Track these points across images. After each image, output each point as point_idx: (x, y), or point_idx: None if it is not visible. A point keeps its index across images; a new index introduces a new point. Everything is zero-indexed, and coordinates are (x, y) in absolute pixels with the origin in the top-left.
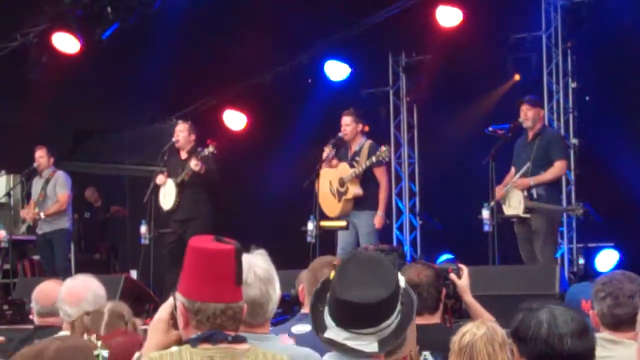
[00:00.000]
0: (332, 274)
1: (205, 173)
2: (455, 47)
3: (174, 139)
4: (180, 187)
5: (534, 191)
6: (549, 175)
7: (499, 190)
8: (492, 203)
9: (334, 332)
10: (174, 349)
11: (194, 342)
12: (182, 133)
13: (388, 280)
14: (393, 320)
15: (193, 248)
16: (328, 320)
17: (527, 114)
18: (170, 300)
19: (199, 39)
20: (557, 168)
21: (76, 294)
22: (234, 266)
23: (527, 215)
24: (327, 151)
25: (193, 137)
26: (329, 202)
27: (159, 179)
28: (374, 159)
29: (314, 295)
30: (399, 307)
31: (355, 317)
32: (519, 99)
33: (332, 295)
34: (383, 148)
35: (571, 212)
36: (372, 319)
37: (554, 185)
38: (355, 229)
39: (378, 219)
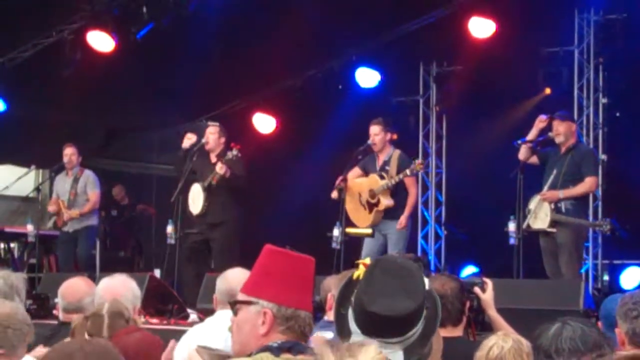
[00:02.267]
0: (356, 274)
1: (231, 177)
2: (486, 58)
3: (203, 140)
4: (208, 191)
5: (562, 205)
6: (579, 189)
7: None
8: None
9: (359, 339)
10: (258, 355)
11: (276, 351)
12: (212, 135)
13: (416, 289)
14: (418, 328)
15: (273, 251)
16: (353, 325)
17: (558, 129)
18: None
19: (232, 42)
20: (588, 184)
21: (116, 291)
22: (313, 276)
23: (553, 230)
24: None
25: (223, 140)
26: (359, 213)
27: (186, 141)
28: (408, 172)
29: (337, 298)
30: (424, 312)
31: (382, 327)
32: (549, 115)
33: (358, 303)
34: (418, 161)
35: (598, 227)
36: (399, 329)
37: (582, 201)
38: (382, 237)
39: (402, 219)
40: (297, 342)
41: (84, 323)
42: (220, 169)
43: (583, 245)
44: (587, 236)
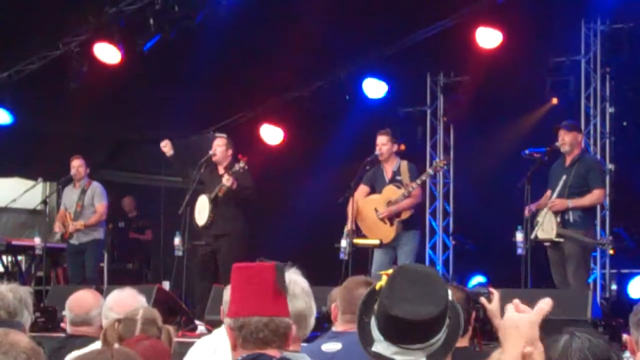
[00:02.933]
0: (379, 284)
1: (237, 189)
2: (493, 68)
3: (211, 152)
4: (214, 202)
5: (569, 216)
6: (587, 200)
7: (528, 210)
8: (527, 215)
9: (382, 346)
10: None
11: None
12: (220, 147)
13: (439, 295)
14: (441, 335)
15: (234, 269)
16: (375, 333)
17: (564, 139)
18: None
19: (238, 53)
20: (596, 196)
21: (126, 303)
22: (274, 280)
23: (560, 240)
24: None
25: (230, 152)
26: (379, 229)
27: (163, 144)
28: (430, 170)
29: (360, 307)
30: (447, 321)
31: (405, 332)
32: (556, 124)
33: (380, 309)
34: (440, 159)
35: (601, 245)
36: (422, 334)
37: (589, 212)
38: (392, 249)
39: (389, 209)
40: (260, 354)
41: (115, 326)
42: (227, 180)
43: (590, 256)
44: (595, 247)
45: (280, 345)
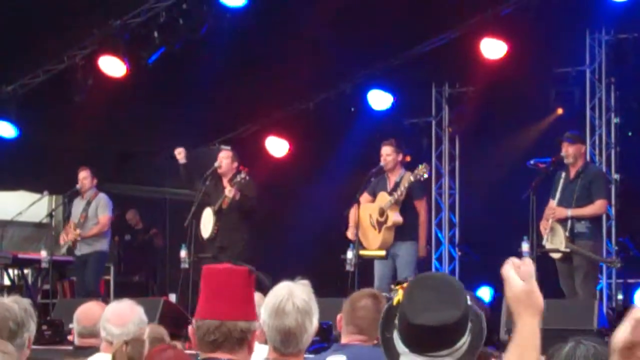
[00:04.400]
0: (396, 299)
1: (241, 198)
2: (498, 79)
3: (216, 164)
4: (218, 214)
5: (577, 228)
6: (588, 211)
7: (543, 225)
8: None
9: (409, 358)
10: None
11: None
12: (225, 160)
13: (458, 298)
14: (466, 339)
15: (204, 271)
16: (400, 346)
17: (567, 151)
18: None
19: (243, 65)
20: (597, 206)
21: (123, 315)
22: (242, 285)
23: (567, 250)
24: None
25: (235, 164)
26: (369, 235)
27: (178, 150)
28: (411, 177)
29: (381, 324)
30: (469, 325)
31: (430, 340)
32: (559, 136)
33: (402, 320)
34: (421, 166)
35: (609, 264)
36: (447, 340)
37: (595, 222)
38: (392, 260)
39: (422, 250)
40: (208, 358)
41: (124, 349)
42: (229, 192)
43: (598, 267)
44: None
45: (232, 349)
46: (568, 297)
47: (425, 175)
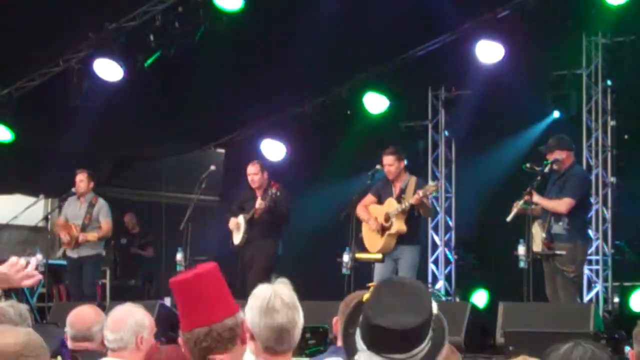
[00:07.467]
0: (365, 296)
1: (273, 209)
2: (495, 82)
3: (249, 180)
4: (249, 223)
5: (555, 229)
6: (550, 204)
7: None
8: (511, 216)
9: (365, 355)
10: None
11: None
12: (256, 176)
13: (422, 306)
14: (424, 347)
15: (171, 284)
16: (359, 343)
17: (549, 158)
18: None
19: (239, 69)
20: (561, 202)
21: (118, 320)
22: (211, 285)
23: (554, 252)
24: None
25: (265, 174)
26: (372, 238)
27: (231, 222)
28: (420, 192)
29: (346, 319)
30: (430, 333)
31: (388, 342)
32: (540, 145)
33: (364, 318)
34: (432, 184)
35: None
36: (404, 344)
37: (575, 224)
38: (393, 263)
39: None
40: None
41: None
42: (259, 204)
43: (580, 269)
44: (597, 259)
45: (225, 348)
46: (550, 297)
47: (435, 194)
